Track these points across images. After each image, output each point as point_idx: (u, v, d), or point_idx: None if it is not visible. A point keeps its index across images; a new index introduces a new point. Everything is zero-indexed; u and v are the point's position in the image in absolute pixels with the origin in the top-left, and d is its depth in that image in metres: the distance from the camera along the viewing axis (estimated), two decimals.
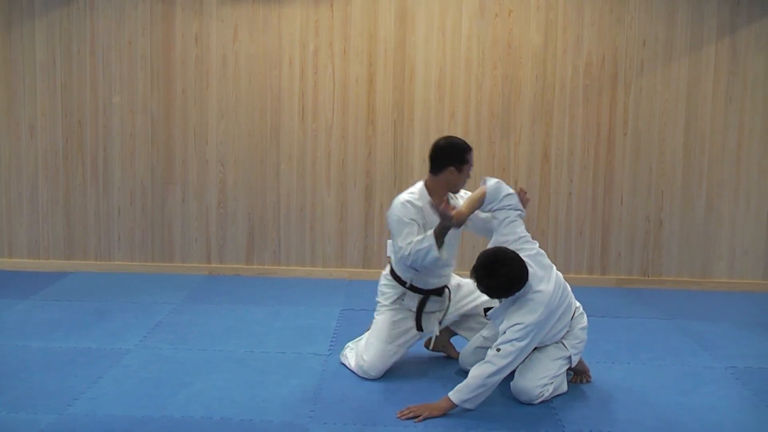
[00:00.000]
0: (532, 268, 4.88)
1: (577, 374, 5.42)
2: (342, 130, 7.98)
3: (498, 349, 4.77)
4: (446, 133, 7.83)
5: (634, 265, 8.08)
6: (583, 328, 5.23)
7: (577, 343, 5.17)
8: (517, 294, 4.85)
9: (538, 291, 4.84)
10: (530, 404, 4.96)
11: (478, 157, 7.88)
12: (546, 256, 5.11)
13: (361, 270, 8.10)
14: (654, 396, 5.22)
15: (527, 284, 4.83)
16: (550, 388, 5.03)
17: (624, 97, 7.91)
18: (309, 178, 8.04)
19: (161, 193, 8.07)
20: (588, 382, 5.40)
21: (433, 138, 7.82)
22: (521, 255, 4.88)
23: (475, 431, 4.59)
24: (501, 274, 4.76)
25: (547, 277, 4.94)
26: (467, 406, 4.79)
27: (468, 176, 5.45)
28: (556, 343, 5.11)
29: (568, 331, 5.15)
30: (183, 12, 7.92)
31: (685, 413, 4.94)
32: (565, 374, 5.20)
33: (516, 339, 4.76)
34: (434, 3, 7.85)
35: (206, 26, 7.94)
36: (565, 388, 5.19)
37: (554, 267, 5.11)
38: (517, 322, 4.78)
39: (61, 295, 7.28)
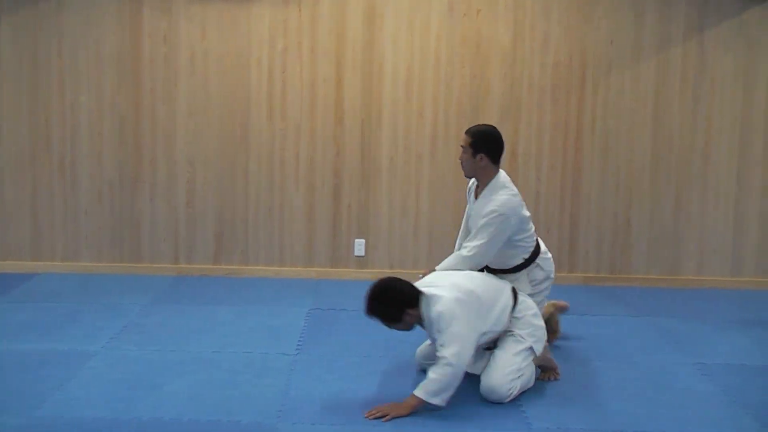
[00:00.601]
0: (427, 290, 5.11)
1: (545, 371, 5.53)
2: (310, 129, 8.06)
3: (442, 345, 4.92)
4: (414, 133, 8.01)
5: (602, 263, 8.21)
6: (534, 314, 5.38)
7: (533, 330, 5.31)
8: (430, 317, 5.02)
9: (436, 296, 5.02)
10: (500, 403, 5.07)
11: (445, 156, 8.02)
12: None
13: (330, 270, 8.19)
14: (622, 392, 5.35)
15: (427, 299, 5.03)
16: (518, 383, 5.15)
17: (592, 97, 8.05)
18: (277, 177, 8.11)
19: (129, 193, 8.10)
20: (556, 379, 5.52)
21: (401, 137, 8.00)
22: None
23: (443, 430, 4.68)
24: (384, 294, 5.01)
25: (440, 284, 5.15)
26: (435, 401, 4.87)
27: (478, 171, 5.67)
28: (513, 336, 5.25)
29: (517, 318, 5.30)
30: (151, 11, 7.97)
31: (653, 409, 5.07)
32: (532, 368, 5.31)
33: (453, 335, 4.90)
34: (403, 2, 7.95)
35: (174, 25, 7.98)
36: (532, 383, 5.31)
37: (456, 273, 5.40)
38: (444, 328, 4.92)
39: (28, 296, 7.30)
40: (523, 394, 5.19)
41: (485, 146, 5.53)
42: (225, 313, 6.91)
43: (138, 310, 6.91)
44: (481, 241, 5.46)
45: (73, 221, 8.14)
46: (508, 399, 5.08)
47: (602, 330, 6.67)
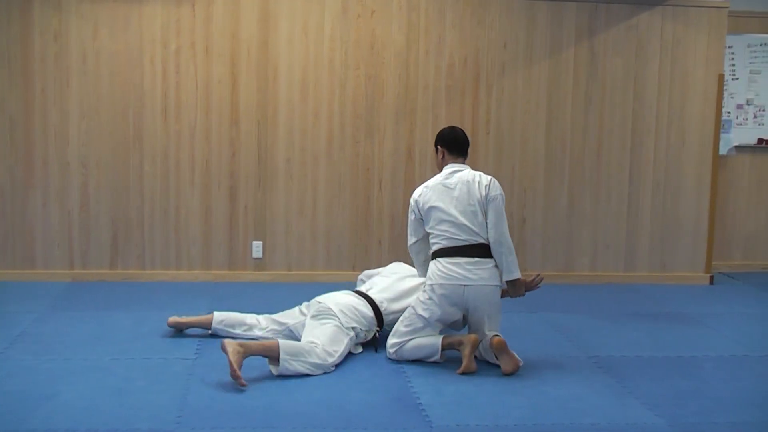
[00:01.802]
0: None
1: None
2: (205, 131, 8.17)
3: None
4: (310, 134, 8.19)
5: None
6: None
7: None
8: None
9: None
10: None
11: (341, 157, 8.23)
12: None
13: (227, 272, 8.31)
14: (519, 387, 5.58)
15: None
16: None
17: (486, 98, 8.38)
18: (173, 179, 8.18)
19: (21, 197, 8.06)
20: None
21: (298, 138, 8.19)
22: None
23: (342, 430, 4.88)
24: None
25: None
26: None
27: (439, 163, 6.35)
28: None
29: None
30: (41, 7, 7.95)
31: (549, 402, 5.33)
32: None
33: None
34: (296, 3, 8.13)
35: (65, 23, 7.98)
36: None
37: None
38: None
39: None
40: (423, 395, 5.38)
41: (440, 141, 6.29)
42: (122, 318, 6.91)
43: (32, 318, 6.84)
44: None
45: None
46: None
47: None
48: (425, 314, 5.98)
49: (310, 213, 8.33)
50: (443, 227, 5.99)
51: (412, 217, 6.19)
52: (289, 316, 6.38)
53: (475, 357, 5.90)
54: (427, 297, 5.99)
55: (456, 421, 5.02)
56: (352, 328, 6.05)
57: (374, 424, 4.94)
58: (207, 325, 6.48)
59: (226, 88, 8.16)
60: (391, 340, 6.08)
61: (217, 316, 6.48)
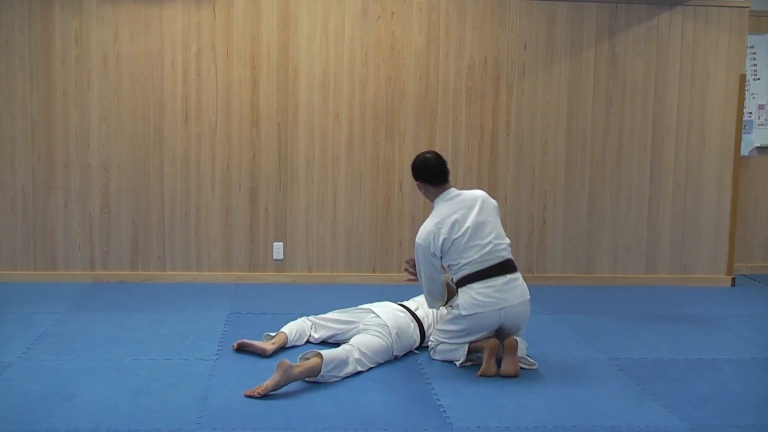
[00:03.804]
0: None
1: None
2: (226, 132, 8.18)
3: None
4: (331, 135, 8.18)
5: (519, 263, 8.35)
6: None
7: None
8: None
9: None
10: None
11: (362, 158, 8.23)
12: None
13: (248, 273, 8.31)
14: (540, 388, 5.58)
15: None
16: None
17: (506, 99, 8.35)
18: (193, 181, 8.20)
19: (43, 198, 8.10)
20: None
21: (318, 140, 8.16)
22: None
23: (363, 431, 4.88)
24: None
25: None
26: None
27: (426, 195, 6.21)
28: None
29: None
30: (62, 10, 7.98)
31: (569, 404, 5.32)
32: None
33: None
34: (317, 5, 8.13)
35: (86, 25, 8.02)
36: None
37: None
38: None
39: None
40: (444, 397, 5.38)
41: (417, 176, 6.10)
42: (142, 319, 6.93)
43: (54, 319, 6.87)
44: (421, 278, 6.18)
45: None
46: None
47: None
48: (461, 340, 5.97)
49: (330, 214, 8.32)
50: (470, 253, 5.91)
51: (421, 262, 6.04)
52: (356, 316, 6.34)
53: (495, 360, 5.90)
54: (460, 327, 5.95)
55: (476, 422, 5.02)
56: (395, 356, 6.12)
57: (394, 425, 4.95)
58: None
59: (246, 90, 8.16)
60: (432, 337, 6.23)
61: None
